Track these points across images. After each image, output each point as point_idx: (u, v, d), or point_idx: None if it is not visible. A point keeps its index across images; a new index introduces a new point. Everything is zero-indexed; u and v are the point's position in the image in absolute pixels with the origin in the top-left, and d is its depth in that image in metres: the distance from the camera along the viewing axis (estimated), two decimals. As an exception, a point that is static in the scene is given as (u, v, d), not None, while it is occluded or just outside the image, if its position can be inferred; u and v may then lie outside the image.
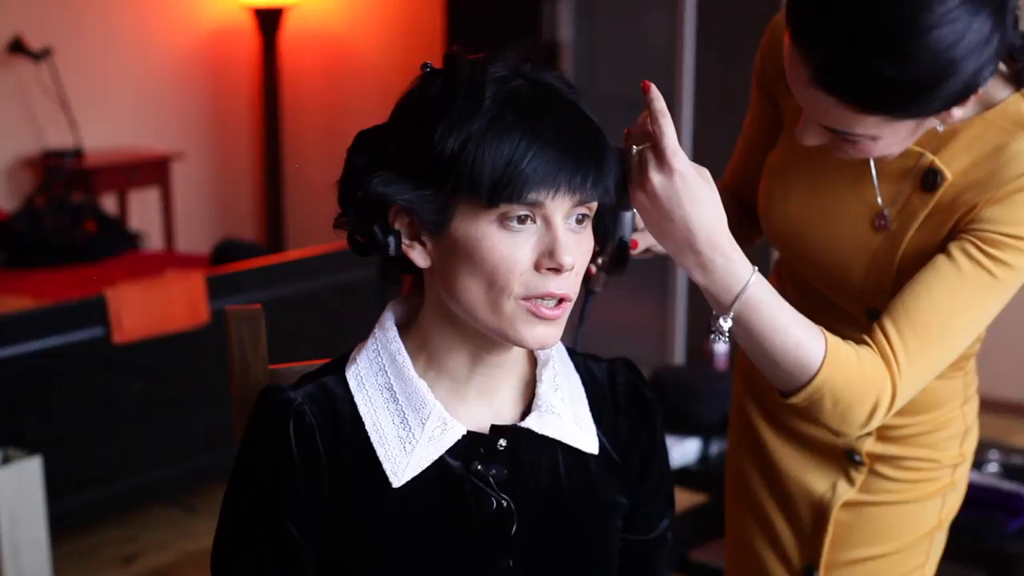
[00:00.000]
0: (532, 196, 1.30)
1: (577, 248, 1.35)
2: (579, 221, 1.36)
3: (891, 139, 1.56)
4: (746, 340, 1.53)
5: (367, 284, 4.32)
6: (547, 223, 1.33)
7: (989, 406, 2.60)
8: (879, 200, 1.69)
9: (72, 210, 5.33)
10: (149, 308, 4.04)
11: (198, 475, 4.26)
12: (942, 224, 1.64)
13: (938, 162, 1.64)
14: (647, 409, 1.53)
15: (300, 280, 4.45)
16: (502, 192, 1.29)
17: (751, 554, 1.97)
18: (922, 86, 1.46)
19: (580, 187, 1.32)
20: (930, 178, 1.65)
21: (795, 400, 1.56)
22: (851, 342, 1.58)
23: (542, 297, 1.33)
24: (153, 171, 6.23)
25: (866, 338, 1.59)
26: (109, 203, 6.10)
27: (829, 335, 1.56)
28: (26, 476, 3.62)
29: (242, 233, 6.69)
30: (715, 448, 3.62)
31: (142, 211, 6.34)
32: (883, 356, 1.57)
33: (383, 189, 1.34)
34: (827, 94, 1.49)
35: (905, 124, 1.54)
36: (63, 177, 5.74)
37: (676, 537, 3.84)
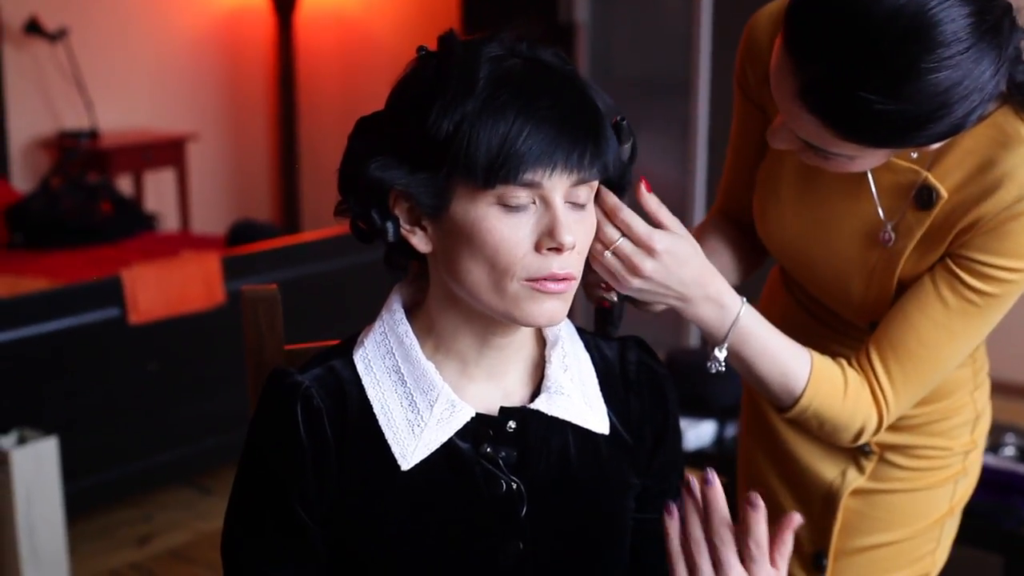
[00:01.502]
0: (528, 176, 1.29)
1: (578, 226, 1.34)
2: (580, 199, 1.35)
3: (865, 160, 1.54)
4: (738, 366, 1.64)
5: (382, 266, 4.31)
6: (546, 203, 1.31)
7: (1005, 390, 2.59)
8: (881, 214, 1.67)
9: (88, 191, 5.34)
10: (165, 289, 4.05)
11: (213, 456, 4.27)
12: (940, 240, 1.63)
13: (932, 179, 1.61)
14: (659, 386, 1.52)
15: (316, 261, 4.45)
16: (498, 173, 1.28)
17: None
18: (909, 125, 1.42)
19: (577, 165, 1.30)
20: (925, 195, 1.62)
21: (786, 416, 1.68)
22: (843, 363, 1.66)
23: (545, 279, 1.32)
24: (169, 152, 6.24)
25: (854, 362, 1.66)
26: (124, 184, 6.10)
27: (817, 360, 1.64)
28: (42, 456, 3.63)
29: (257, 214, 6.70)
30: (730, 431, 3.61)
31: (157, 192, 6.34)
32: (869, 384, 1.65)
33: (380, 174, 1.33)
34: (810, 113, 1.46)
35: (884, 151, 1.52)
36: (78, 158, 5.75)
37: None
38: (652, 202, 1.49)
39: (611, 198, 1.46)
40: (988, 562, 3.14)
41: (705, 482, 1.28)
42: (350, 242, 4.81)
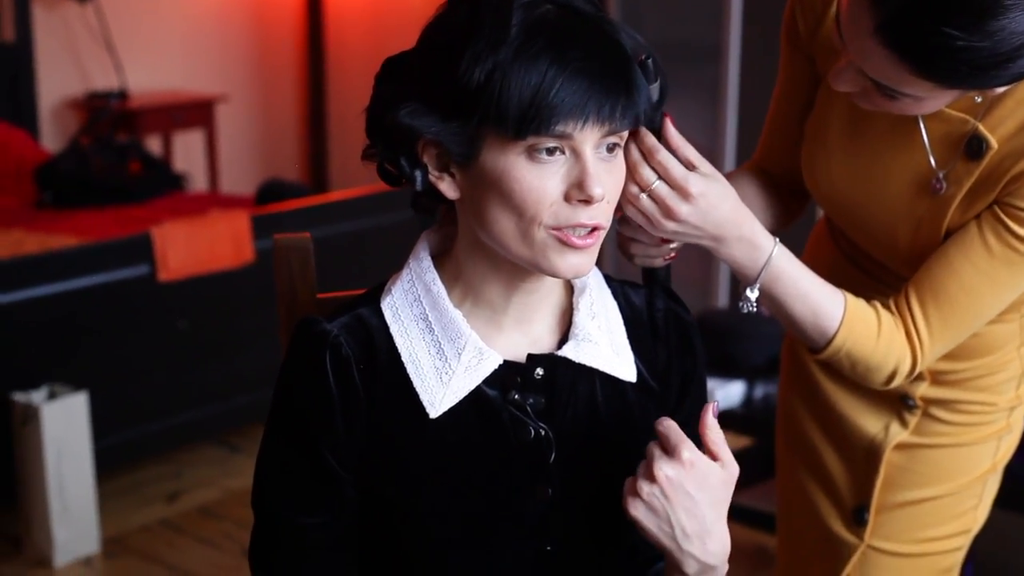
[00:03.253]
0: (560, 127, 1.27)
1: (608, 177, 1.33)
2: (610, 150, 1.33)
3: (933, 102, 1.53)
4: (770, 306, 1.63)
5: (411, 225, 4.31)
6: (576, 154, 1.30)
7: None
8: (932, 163, 1.65)
9: (117, 150, 5.34)
10: (195, 247, 4.06)
11: (242, 414, 4.28)
12: (989, 190, 1.62)
13: (983, 129, 1.61)
14: (686, 333, 1.51)
15: (345, 220, 4.45)
16: (529, 124, 1.27)
17: (802, 495, 1.95)
18: (987, 64, 1.41)
19: (609, 117, 1.29)
20: (975, 145, 1.61)
21: (818, 358, 1.68)
22: (877, 305, 1.65)
23: (573, 227, 1.31)
24: (198, 113, 6.24)
25: (891, 304, 1.65)
26: (154, 145, 6.11)
27: (851, 301, 1.63)
28: (72, 412, 3.65)
29: (286, 175, 6.70)
30: (759, 391, 3.60)
31: (186, 153, 6.35)
32: (905, 327, 1.65)
33: (410, 122, 1.31)
34: (887, 48, 1.44)
35: (954, 92, 1.50)
36: (108, 117, 5.76)
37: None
38: (677, 139, 1.47)
39: (649, 139, 1.44)
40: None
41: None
42: (378, 201, 4.81)
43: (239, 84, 6.67)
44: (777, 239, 1.60)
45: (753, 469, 3.58)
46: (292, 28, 6.85)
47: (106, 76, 6.04)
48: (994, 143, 1.60)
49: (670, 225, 1.49)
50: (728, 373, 3.61)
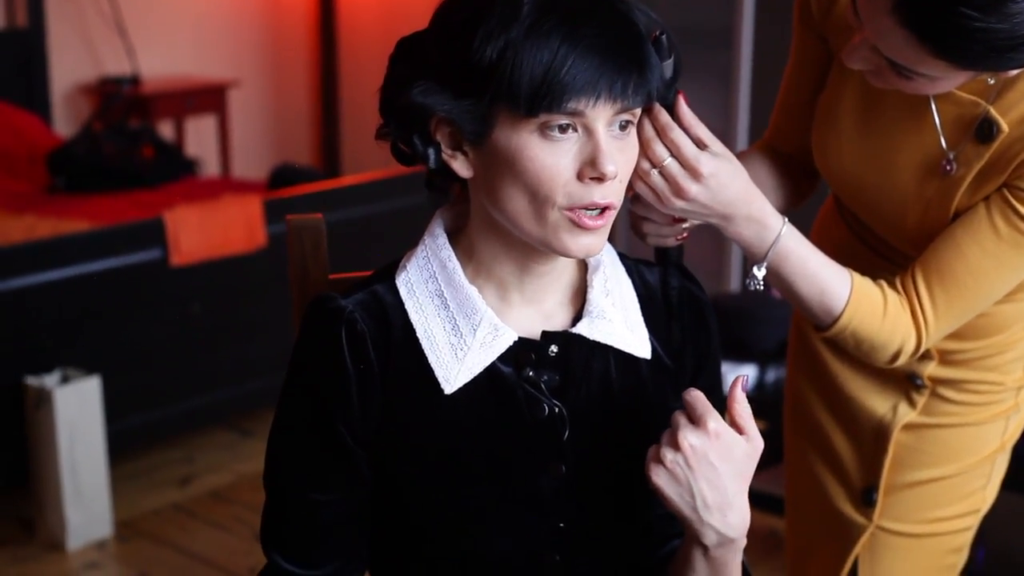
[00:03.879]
0: (572, 105, 1.27)
1: (621, 156, 1.32)
2: (622, 128, 1.33)
3: (947, 82, 1.53)
4: (778, 284, 1.65)
5: (422, 209, 4.31)
6: (589, 132, 1.30)
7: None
8: (943, 144, 1.65)
9: (130, 135, 5.34)
10: (207, 231, 4.06)
11: (254, 399, 4.29)
12: (998, 173, 1.62)
13: (994, 112, 1.61)
14: (700, 311, 1.51)
15: (357, 205, 4.45)
16: (541, 101, 1.26)
17: (810, 477, 1.95)
18: (1004, 46, 1.42)
19: (621, 94, 1.29)
20: (985, 129, 1.61)
21: (824, 335, 1.69)
22: (883, 284, 1.66)
23: (586, 207, 1.31)
24: (210, 99, 6.23)
25: (897, 283, 1.66)
26: (166, 130, 6.11)
27: (857, 280, 1.64)
28: (85, 395, 3.66)
29: (298, 161, 6.70)
30: (772, 375, 3.60)
31: (198, 139, 6.35)
32: (910, 306, 1.66)
33: (423, 100, 1.31)
34: (904, 28, 1.44)
35: (968, 73, 1.50)
36: (120, 103, 5.76)
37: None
38: (690, 118, 1.47)
39: (663, 116, 1.44)
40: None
41: None
42: (390, 186, 4.81)
43: (251, 69, 6.67)
44: (785, 219, 1.61)
45: (766, 453, 3.55)
46: (304, 13, 6.84)
47: (118, 61, 6.04)
48: (1005, 127, 1.60)
49: (679, 203, 1.49)
50: (740, 357, 3.61)
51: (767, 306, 3.64)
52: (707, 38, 5.21)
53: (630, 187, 1.44)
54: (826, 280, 1.64)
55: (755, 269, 1.62)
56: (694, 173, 1.47)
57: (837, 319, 1.65)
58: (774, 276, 1.64)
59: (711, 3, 5.25)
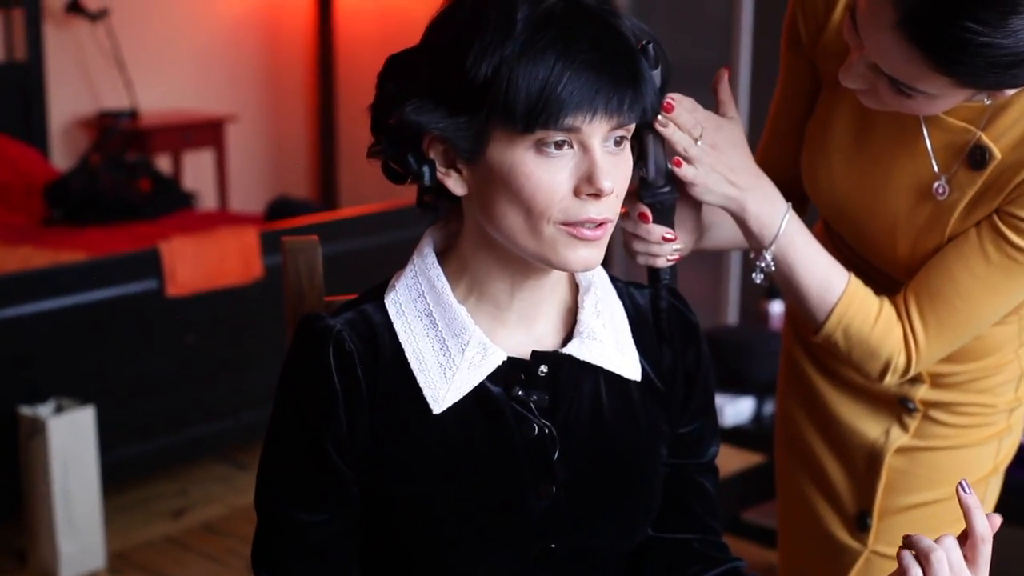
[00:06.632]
0: (568, 121, 1.27)
1: (616, 171, 1.32)
2: (617, 143, 1.33)
3: (946, 101, 1.52)
4: (781, 275, 1.66)
5: (418, 241, 4.30)
6: (584, 148, 1.30)
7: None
8: (935, 167, 1.65)
9: (127, 168, 5.35)
10: (203, 262, 4.06)
11: (249, 431, 4.27)
12: (991, 199, 1.62)
13: (986, 139, 1.60)
14: (691, 333, 1.50)
15: (354, 237, 4.45)
16: (537, 118, 1.26)
17: (803, 503, 1.94)
18: (1008, 62, 1.41)
19: (617, 110, 1.28)
20: (978, 156, 1.61)
21: (816, 338, 1.69)
22: (883, 297, 1.67)
23: (583, 223, 1.31)
24: (207, 133, 6.24)
25: (892, 303, 1.67)
26: (163, 164, 6.12)
27: (855, 279, 1.66)
28: (79, 425, 3.64)
29: (295, 195, 6.70)
30: (769, 408, 3.59)
31: (196, 173, 6.35)
32: (902, 327, 1.66)
33: (416, 118, 1.31)
34: (907, 43, 1.44)
35: (967, 91, 1.50)
36: (118, 135, 5.76)
37: (729, 497, 3.78)
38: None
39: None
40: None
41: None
42: (387, 218, 4.80)
43: (249, 104, 6.68)
44: (789, 203, 1.65)
45: (763, 486, 3.56)
46: (302, 48, 6.86)
47: (117, 95, 6.05)
48: (997, 153, 1.60)
49: (690, 170, 1.58)
50: (738, 389, 3.60)
51: (765, 339, 3.63)
52: (704, 76, 5.21)
53: (623, 204, 1.44)
54: (827, 268, 1.66)
55: (765, 252, 1.65)
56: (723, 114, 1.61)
57: (832, 311, 1.66)
58: (779, 262, 1.65)
59: (708, 41, 5.28)
